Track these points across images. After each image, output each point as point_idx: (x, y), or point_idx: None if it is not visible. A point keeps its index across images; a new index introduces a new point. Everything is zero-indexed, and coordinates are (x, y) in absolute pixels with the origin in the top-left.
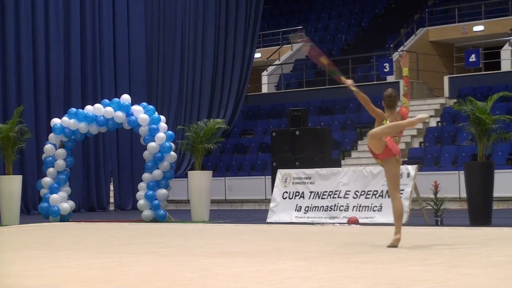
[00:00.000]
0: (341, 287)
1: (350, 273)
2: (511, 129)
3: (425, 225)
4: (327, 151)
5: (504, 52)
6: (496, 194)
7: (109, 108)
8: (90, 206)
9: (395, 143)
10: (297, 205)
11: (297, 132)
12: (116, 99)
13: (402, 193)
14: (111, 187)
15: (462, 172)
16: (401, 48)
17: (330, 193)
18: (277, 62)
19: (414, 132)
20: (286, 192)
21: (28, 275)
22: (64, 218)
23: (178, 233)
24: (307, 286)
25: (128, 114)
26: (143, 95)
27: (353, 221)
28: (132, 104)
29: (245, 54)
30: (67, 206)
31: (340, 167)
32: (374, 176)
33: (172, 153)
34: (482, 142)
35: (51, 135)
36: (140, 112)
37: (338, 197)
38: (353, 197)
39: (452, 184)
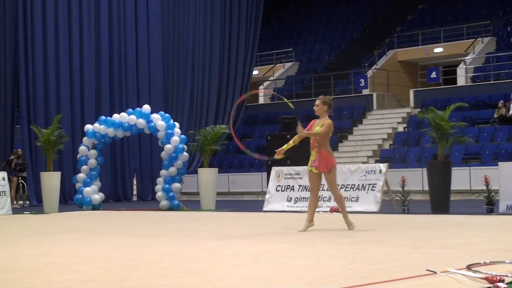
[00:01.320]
0: (325, 264)
1: (332, 253)
2: (465, 134)
3: (394, 213)
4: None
5: (460, 70)
6: (453, 187)
7: (133, 116)
8: (117, 197)
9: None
10: (288, 196)
11: (288, 136)
12: (138, 108)
13: (374, 187)
14: (134, 181)
15: (425, 169)
16: (374, 66)
17: None
18: (271, 78)
19: (385, 136)
20: (279, 186)
21: (64, 254)
22: (95, 207)
23: (189, 220)
24: (296, 264)
25: (148, 121)
26: (161, 105)
27: (334, 210)
28: (152, 112)
29: (245, 71)
30: (97, 197)
31: None
32: (352, 172)
33: (185, 153)
34: (441, 144)
35: (85, 139)
36: (158, 120)
37: (322, 189)
38: None
39: (417, 179)
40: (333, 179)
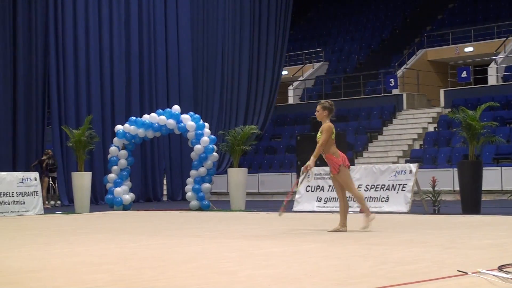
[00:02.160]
0: (355, 265)
1: (362, 253)
2: (496, 134)
3: (424, 213)
4: (342, 152)
5: (491, 69)
6: (484, 187)
7: (163, 117)
8: (147, 197)
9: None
10: (318, 196)
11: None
12: (168, 109)
13: (405, 187)
14: (164, 182)
15: (456, 169)
16: (404, 66)
17: None
18: (301, 78)
19: (415, 136)
20: (309, 186)
21: (95, 254)
22: (126, 207)
23: (219, 220)
24: (326, 264)
25: (178, 121)
26: (190, 106)
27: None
28: (181, 113)
29: (274, 71)
30: (128, 197)
31: (354, 165)
32: (382, 172)
33: (215, 153)
34: (472, 144)
35: (115, 139)
36: (188, 120)
37: None
38: (365, 190)
39: (447, 179)
40: (346, 178)
